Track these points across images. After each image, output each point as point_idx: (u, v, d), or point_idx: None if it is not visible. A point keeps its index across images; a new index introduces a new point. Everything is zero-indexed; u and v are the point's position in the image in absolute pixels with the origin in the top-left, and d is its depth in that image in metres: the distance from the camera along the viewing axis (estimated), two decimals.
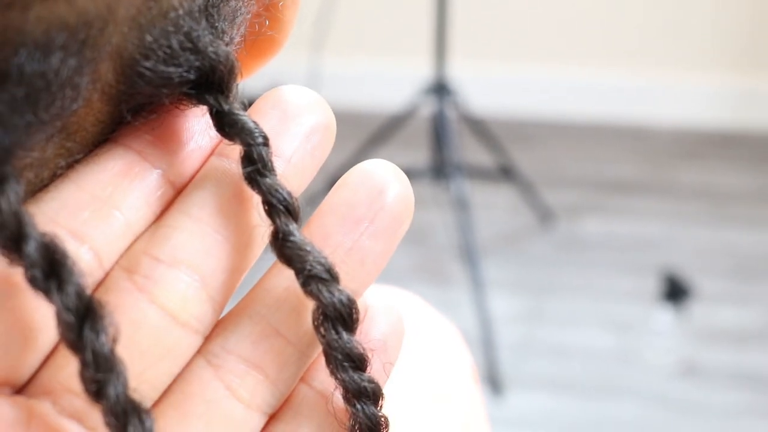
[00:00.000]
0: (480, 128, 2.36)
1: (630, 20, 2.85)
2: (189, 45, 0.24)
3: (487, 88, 2.81)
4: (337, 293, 0.24)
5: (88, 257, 0.23)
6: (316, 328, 0.25)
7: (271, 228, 0.25)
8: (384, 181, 0.26)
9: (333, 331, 0.24)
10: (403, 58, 2.82)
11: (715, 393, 1.91)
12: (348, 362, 0.25)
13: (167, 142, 0.25)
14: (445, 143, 2.14)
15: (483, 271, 2.03)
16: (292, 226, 0.25)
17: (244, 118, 0.25)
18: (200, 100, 0.25)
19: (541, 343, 2.04)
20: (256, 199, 0.25)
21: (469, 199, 2.13)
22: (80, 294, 0.21)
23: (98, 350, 0.21)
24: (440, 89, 2.20)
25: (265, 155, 0.24)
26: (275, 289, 0.25)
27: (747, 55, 2.85)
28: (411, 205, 0.26)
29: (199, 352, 0.24)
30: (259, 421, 0.25)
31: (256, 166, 0.24)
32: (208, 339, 0.24)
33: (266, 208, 0.25)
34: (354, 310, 0.25)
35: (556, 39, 2.90)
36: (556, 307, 2.15)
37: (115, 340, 0.22)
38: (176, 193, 0.25)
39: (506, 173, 2.37)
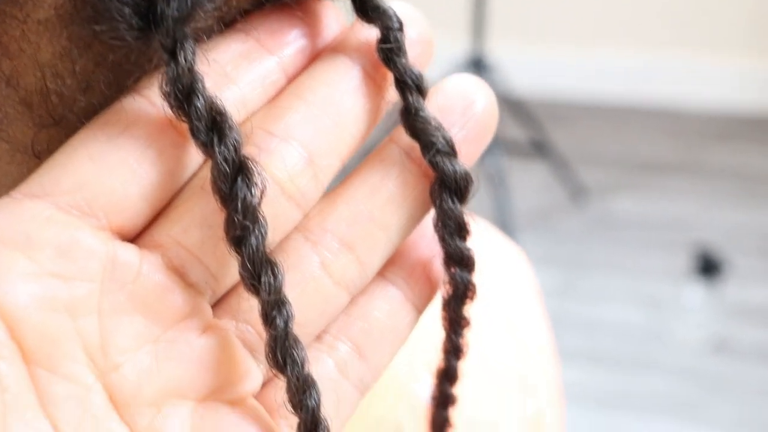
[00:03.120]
0: (515, 106, 2.38)
1: (666, 3, 2.85)
2: None
3: (524, 67, 2.82)
4: (457, 167, 0.27)
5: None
6: (434, 196, 0.27)
7: (403, 103, 0.27)
8: (475, 92, 0.28)
9: (450, 200, 0.27)
10: (441, 33, 2.83)
11: (746, 369, 1.92)
12: (457, 231, 0.27)
13: (285, 35, 0.27)
14: None
15: (516, 245, 2.05)
16: (422, 102, 0.27)
17: (385, 3, 0.27)
18: None
19: (573, 318, 2.06)
20: (364, 90, 0.27)
21: (505, 173, 2.14)
22: (237, 149, 0.24)
23: (248, 201, 0.23)
24: (477, 65, 2.22)
25: (401, 38, 0.27)
26: (371, 178, 0.27)
27: None
28: (496, 118, 0.28)
29: (297, 228, 0.26)
30: (345, 299, 0.27)
31: (391, 46, 0.26)
32: (306, 217, 0.26)
33: (399, 85, 0.27)
34: (469, 184, 0.27)
35: (592, 21, 2.90)
36: (587, 282, 2.17)
37: (262, 195, 0.24)
38: (288, 82, 0.27)
39: (540, 150, 2.38)
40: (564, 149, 2.56)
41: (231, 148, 0.23)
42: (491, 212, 2.16)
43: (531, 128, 2.40)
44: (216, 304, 0.26)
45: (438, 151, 0.27)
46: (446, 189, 0.27)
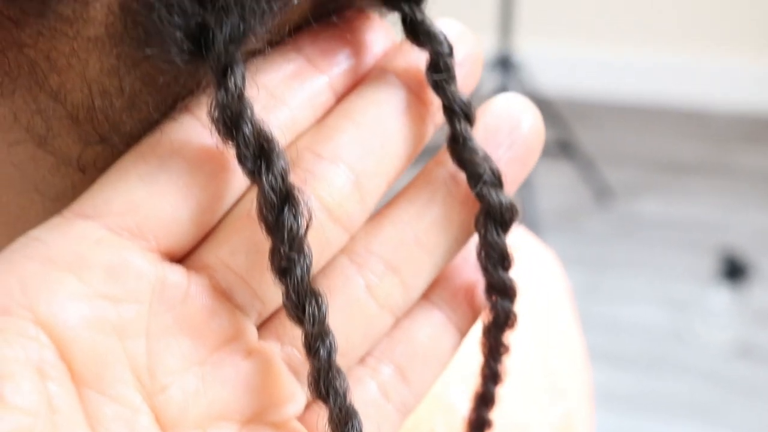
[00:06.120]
0: (542, 104, 2.36)
1: (694, 3, 2.83)
2: None
3: (551, 66, 2.81)
4: (503, 198, 0.27)
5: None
6: (479, 226, 0.27)
7: (450, 131, 0.27)
8: (521, 112, 0.28)
9: (494, 232, 0.27)
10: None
11: None
12: (500, 261, 0.27)
13: (335, 53, 0.26)
14: None
15: None
16: (470, 132, 0.27)
17: (436, 28, 0.27)
18: (396, 8, 0.27)
19: (597, 318, 2.05)
20: (412, 112, 0.27)
21: (531, 172, 2.13)
22: (284, 177, 0.23)
23: (294, 232, 0.23)
24: (504, 63, 2.21)
25: (450, 64, 0.26)
26: (417, 201, 0.27)
27: None
28: (542, 138, 0.28)
29: (343, 250, 0.26)
30: (389, 322, 0.27)
31: (442, 74, 0.26)
32: (351, 239, 0.26)
33: (447, 113, 0.27)
34: (514, 216, 0.27)
35: (620, 20, 2.89)
36: (611, 283, 2.16)
37: (308, 226, 0.23)
38: (336, 101, 0.27)
39: (566, 149, 2.37)
40: (590, 149, 2.54)
41: (278, 176, 0.23)
42: None
43: (557, 127, 2.39)
44: (262, 325, 0.26)
45: (485, 182, 0.26)
46: (491, 220, 0.27)
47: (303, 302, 0.24)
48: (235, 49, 0.23)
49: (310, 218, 0.24)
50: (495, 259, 0.27)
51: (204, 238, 0.25)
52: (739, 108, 2.86)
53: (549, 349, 0.44)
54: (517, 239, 0.47)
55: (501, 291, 0.28)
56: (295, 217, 0.23)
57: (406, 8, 0.27)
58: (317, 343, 0.24)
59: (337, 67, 0.26)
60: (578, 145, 2.45)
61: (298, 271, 0.23)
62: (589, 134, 2.66)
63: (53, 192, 0.26)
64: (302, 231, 0.23)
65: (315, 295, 0.24)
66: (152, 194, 0.23)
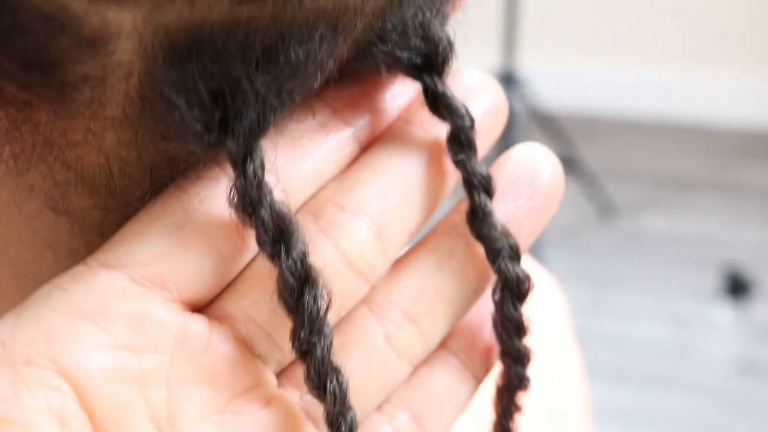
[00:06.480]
0: (546, 120, 2.37)
1: (697, 19, 2.84)
2: (421, 32, 0.26)
3: (555, 82, 2.81)
4: (520, 272, 0.27)
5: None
6: (495, 298, 0.27)
7: (469, 203, 0.27)
8: (541, 162, 0.28)
9: (510, 304, 0.27)
10: (472, 47, 2.83)
11: None
12: (515, 331, 0.28)
13: (360, 105, 0.27)
14: (512, 134, 2.15)
15: (544, 261, 2.05)
16: (490, 206, 0.27)
17: (457, 102, 0.27)
18: (418, 79, 0.27)
19: (600, 335, 2.05)
20: (434, 166, 0.27)
21: None
22: (303, 261, 0.24)
23: (314, 315, 0.24)
24: (508, 79, 2.21)
25: (472, 138, 0.27)
26: (438, 251, 0.27)
27: None
28: (562, 188, 0.28)
29: (362, 300, 0.26)
30: (407, 371, 0.27)
31: (463, 151, 0.26)
32: (372, 289, 0.26)
33: (467, 185, 0.27)
34: (531, 288, 0.27)
35: (623, 36, 2.89)
36: (615, 299, 2.16)
37: (329, 307, 0.24)
38: (360, 152, 0.27)
39: (569, 165, 2.38)
40: (593, 165, 2.55)
41: (297, 261, 0.24)
42: None
43: (560, 143, 2.39)
44: (281, 373, 0.26)
45: (503, 257, 0.27)
46: (508, 293, 0.27)
47: (324, 381, 0.24)
48: (256, 138, 0.23)
49: (330, 300, 0.24)
50: (510, 330, 0.27)
51: (226, 287, 0.25)
52: (743, 124, 2.86)
53: (551, 375, 0.44)
54: None
55: (515, 358, 0.28)
56: (315, 300, 0.24)
57: (428, 80, 0.27)
58: (339, 420, 0.24)
59: (362, 119, 0.27)
60: (581, 161, 2.45)
61: (319, 352, 0.24)
62: (592, 150, 2.66)
63: (66, 249, 0.26)
64: (322, 313, 0.24)
65: (336, 373, 0.24)
66: (176, 245, 0.24)
